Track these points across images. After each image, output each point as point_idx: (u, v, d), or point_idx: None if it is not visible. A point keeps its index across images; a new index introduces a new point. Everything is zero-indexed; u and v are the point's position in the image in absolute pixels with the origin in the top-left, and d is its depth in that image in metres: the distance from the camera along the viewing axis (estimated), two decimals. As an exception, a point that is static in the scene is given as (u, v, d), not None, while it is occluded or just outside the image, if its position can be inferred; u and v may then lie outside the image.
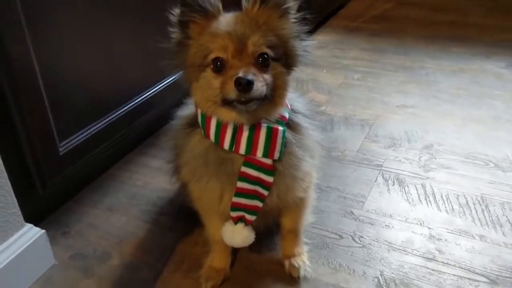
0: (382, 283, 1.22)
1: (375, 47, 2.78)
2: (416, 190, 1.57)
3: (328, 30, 3.06)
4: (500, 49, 2.65)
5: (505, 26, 3.00)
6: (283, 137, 1.04)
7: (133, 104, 1.61)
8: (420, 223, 1.42)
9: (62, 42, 1.31)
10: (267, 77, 0.96)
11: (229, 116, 1.00)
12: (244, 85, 0.90)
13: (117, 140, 1.57)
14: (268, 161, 1.05)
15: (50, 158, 1.30)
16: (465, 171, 1.65)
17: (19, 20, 1.14)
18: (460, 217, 1.44)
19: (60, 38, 1.30)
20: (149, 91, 1.67)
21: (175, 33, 1.01)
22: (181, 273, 1.28)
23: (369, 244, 1.35)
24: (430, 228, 1.40)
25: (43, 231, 1.28)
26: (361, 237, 1.38)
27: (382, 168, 1.69)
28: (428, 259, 1.30)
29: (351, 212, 1.48)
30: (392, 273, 1.25)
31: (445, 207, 1.49)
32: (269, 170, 1.05)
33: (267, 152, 1.03)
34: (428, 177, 1.63)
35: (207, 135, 1.05)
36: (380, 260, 1.30)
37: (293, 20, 1.01)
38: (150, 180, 1.68)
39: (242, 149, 1.03)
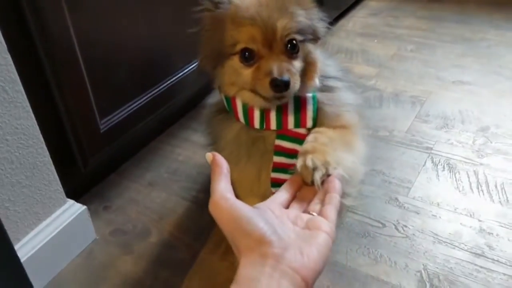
0: (424, 278, 1.17)
1: (433, 15, 2.60)
2: (468, 177, 1.47)
3: (382, -6, 2.89)
4: None
5: None
6: (314, 103, 0.98)
7: (176, 79, 1.57)
8: (470, 215, 1.34)
9: (101, 15, 1.26)
10: (298, 64, 0.91)
11: (256, 101, 0.95)
12: (281, 87, 0.86)
13: (159, 115, 1.56)
14: (301, 131, 0.98)
15: (91, 136, 1.30)
16: (524, 158, 1.54)
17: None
18: (515, 210, 1.35)
19: (100, 10, 1.26)
20: (192, 64, 1.63)
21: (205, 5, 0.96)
22: (218, 255, 1.28)
23: (413, 234, 1.29)
24: (480, 221, 1.32)
25: (85, 207, 1.30)
26: (405, 226, 1.32)
27: (432, 151, 1.59)
28: (476, 254, 1.22)
29: (396, 198, 1.41)
30: (437, 267, 1.19)
31: (499, 198, 1.39)
32: (304, 140, 0.98)
33: (299, 122, 0.98)
34: (482, 163, 1.52)
35: (236, 118, 1.01)
36: (424, 253, 1.23)
37: None
38: (191, 155, 1.67)
39: (273, 125, 0.98)
